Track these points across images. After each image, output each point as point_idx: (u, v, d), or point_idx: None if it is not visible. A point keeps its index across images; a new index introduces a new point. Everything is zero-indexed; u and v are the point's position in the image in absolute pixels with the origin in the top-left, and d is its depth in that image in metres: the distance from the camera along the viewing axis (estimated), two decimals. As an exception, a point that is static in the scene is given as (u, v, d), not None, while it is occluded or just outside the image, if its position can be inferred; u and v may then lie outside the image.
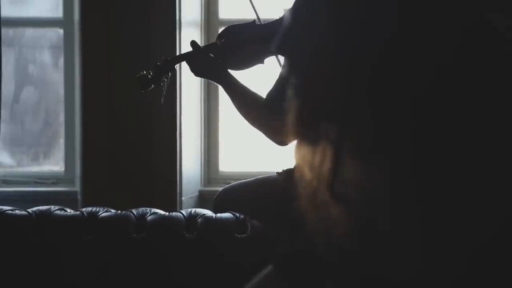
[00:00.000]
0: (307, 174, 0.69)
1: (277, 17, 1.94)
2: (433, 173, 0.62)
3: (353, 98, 0.66)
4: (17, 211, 2.26)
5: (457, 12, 0.64)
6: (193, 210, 2.28)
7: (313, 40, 0.69)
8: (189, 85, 2.73)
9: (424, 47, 0.63)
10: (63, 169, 2.86)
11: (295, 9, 0.73)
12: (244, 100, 1.95)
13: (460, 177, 0.61)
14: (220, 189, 2.33)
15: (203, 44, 2.41)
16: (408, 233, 0.62)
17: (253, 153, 2.84)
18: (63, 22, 2.84)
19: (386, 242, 0.63)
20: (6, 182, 2.85)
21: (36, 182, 2.85)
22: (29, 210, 2.26)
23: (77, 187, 2.74)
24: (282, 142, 1.90)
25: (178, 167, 2.67)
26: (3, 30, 2.56)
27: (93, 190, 2.66)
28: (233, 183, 2.34)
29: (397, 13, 0.64)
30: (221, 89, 2.15)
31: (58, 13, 2.85)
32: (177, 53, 2.59)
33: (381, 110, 0.64)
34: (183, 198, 2.69)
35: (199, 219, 2.21)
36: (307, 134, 0.70)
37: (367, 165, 0.64)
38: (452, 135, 0.62)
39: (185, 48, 2.55)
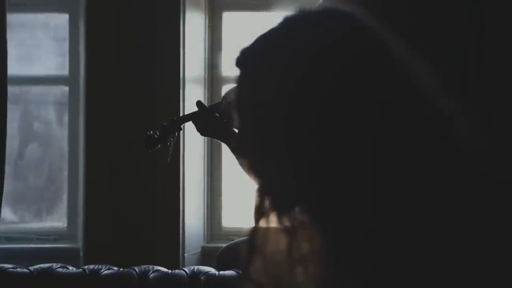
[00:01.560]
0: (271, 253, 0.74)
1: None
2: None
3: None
4: (18, 269, 2.24)
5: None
6: (196, 267, 2.26)
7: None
8: (192, 142, 2.75)
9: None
10: (65, 225, 2.85)
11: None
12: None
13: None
14: (223, 245, 2.32)
15: (207, 102, 2.44)
16: None
17: (256, 209, 2.83)
18: (69, 80, 2.87)
19: None
20: (8, 238, 2.84)
21: (38, 239, 2.83)
22: (31, 268, 2.24)
23: (79, 244, 2.73)
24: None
25: (181, 224, 2.66)
26: (10, 88, 2.59)
27: (95, 247, 2.64)
28: (236, 239, 2.33)
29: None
30: (224, 146, 2.16)
31: (64, 70, 2.89)
32: (181, 110, 2.61)
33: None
34: (186, 254, 2.67)
35: (202, 277, 2.19)
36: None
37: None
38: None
39: (189, 105, 2.58)
